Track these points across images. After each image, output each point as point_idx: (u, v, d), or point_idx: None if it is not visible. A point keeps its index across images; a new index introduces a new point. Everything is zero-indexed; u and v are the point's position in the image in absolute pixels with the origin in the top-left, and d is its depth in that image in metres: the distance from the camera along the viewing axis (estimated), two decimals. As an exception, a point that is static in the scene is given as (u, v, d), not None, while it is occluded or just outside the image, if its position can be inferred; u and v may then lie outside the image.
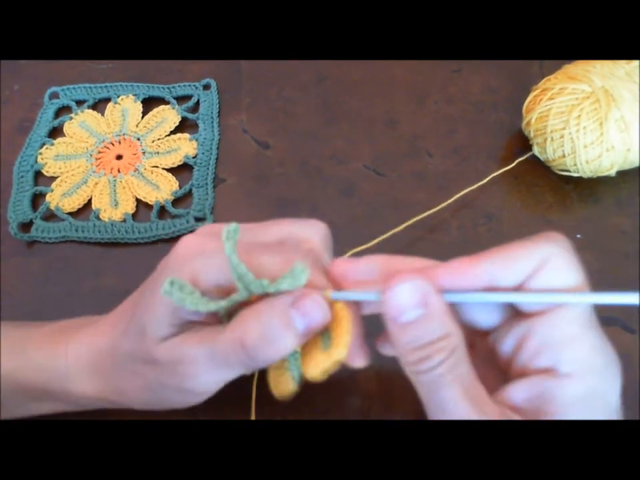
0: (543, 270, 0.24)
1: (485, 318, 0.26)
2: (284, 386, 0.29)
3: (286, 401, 0.34)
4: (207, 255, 0.26)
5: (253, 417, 0.34)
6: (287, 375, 0.28)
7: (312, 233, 0.28)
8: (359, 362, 0.27)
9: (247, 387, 0.35)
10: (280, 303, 0.25)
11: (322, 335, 0.26)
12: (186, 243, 0.27)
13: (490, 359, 0.27)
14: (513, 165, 0.43)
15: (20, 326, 0.32)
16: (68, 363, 0.29)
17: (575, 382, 0.23)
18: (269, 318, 0.24)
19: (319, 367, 0.25)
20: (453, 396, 0.23)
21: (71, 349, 0.29)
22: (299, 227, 0.28)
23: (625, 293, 0.23)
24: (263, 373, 0.35)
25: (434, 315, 0.23)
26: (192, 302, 0.24)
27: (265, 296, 0.25)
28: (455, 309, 0.26)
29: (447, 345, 0.23)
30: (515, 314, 0.25)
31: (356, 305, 0.27)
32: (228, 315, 0.27)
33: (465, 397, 0.23)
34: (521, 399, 0.24)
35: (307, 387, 0.35)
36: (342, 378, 0.35)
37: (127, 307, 0.30)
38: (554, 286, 0.24)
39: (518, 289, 0.24)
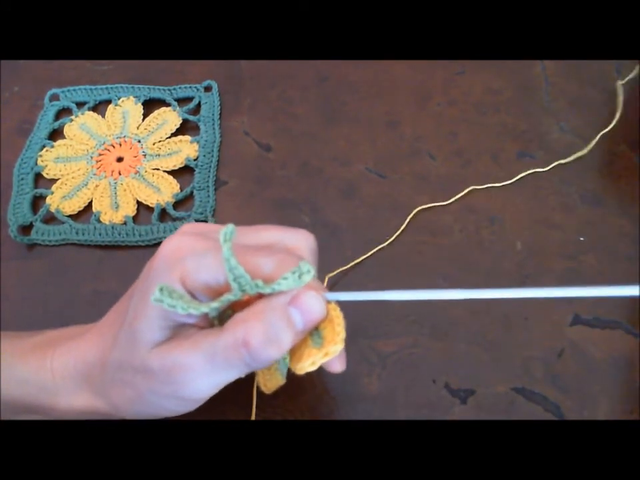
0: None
1: None
2: (273, 382, 0.29)
3: (287, 403, 0.34)
4: (196, 255, 0.25)
5: (253, 417, 0.34)
6: (276, 372, 0.29)
7: (300, 242, 0.28)
8: (338, 367, 0.27)
9: (247, 387, 0.35)
10: (279, 302, 0.25)
11: (311, 333, 0.27)
12: (172, 244, 0.26)
13: None
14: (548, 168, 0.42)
15: (6, 337, 0.31)
16: (54, 377, 0.28)
17: None
18: (271, 318, 0.25)
19: (310, 360, 0.26)
20: None
21: (57, 362, 0.29)
22: (288, 234, 0.28)
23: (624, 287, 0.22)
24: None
25: None
26: (183, 306, 0.24)
27: (256, 297, 0.26)
28: None
29: None
30: None
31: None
32: (219, 318, 0.27)
33: None
34: None
35: (308, 390, 0.35)
36: (343, 381, 0.35)
37: (114, 315, 0.29)
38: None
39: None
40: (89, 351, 0.28)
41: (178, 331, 0.26)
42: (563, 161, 0.43)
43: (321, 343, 0.26)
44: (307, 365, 0.26)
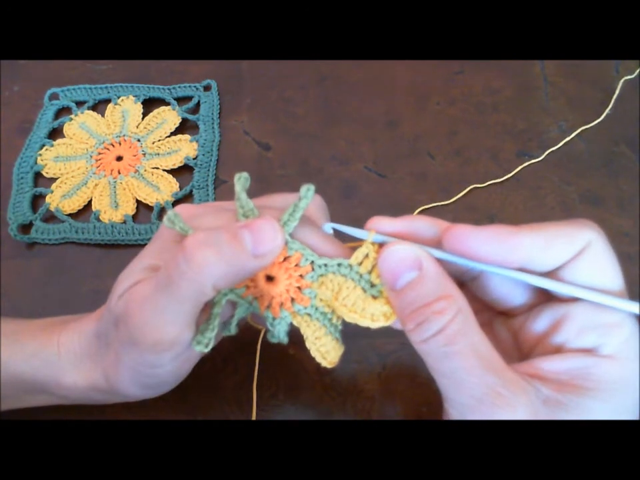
0: (582, 257, 0.23)
1: (514, 295, 0.26)
2: (333, 353, 0.27)
3: (286, 403, 0.34)
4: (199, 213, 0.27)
5: (253, 418, 0.34)
6: (329, 339, 0.27)
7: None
8: None
9: (248, 387, 0.35)
10: (233, 224, 0.25)
11: (358, 281, 0.25)
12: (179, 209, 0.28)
13: (505, 341, 0.26)
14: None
15: (14, 320, 0.32)
16: (60, 352, 0.29)
17: (615, 363, 0.22)
18: (216, 230, 0.24)
19: (375, 316, 0.25)
20: (466, 364, 0.21)
21: (63, 338, 0.29)
22: (293, 197, 0.29)
23: None
24: (262, 374, 0.35)
25: (429, 276, 0.23)
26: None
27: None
28: (480, 286, 0.26)
29: (448, 306, 0.22)
30: (548, 295, 0.25)
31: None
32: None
33: (481, 364, 0.21)
34: (553, 371, 0.23)
35: (308, 389, 0.35)
36: (343, 380, 0.35)
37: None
38: (591, 275, 0.23)
39: (552, 272, 0.24)
40: (89, 325, 0.29)
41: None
42: (553, 148, 0.44)
43: (378, 293, 0.25)
44: (379, 320, 0.25)
